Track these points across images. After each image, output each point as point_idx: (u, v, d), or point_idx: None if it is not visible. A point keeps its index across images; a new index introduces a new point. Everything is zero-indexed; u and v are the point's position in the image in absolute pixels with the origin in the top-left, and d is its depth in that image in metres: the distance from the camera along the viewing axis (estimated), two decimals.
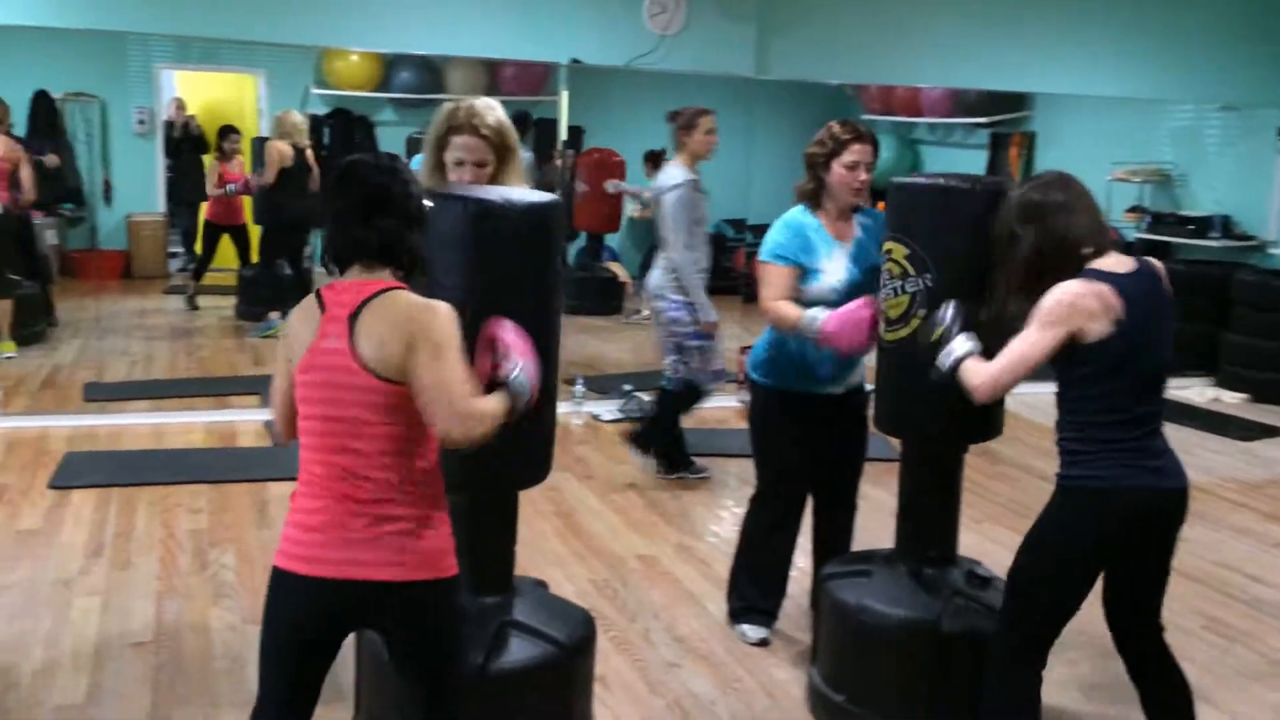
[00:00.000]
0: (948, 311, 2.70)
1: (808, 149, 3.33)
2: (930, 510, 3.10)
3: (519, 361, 2.18)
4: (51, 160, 7.29)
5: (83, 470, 4.87)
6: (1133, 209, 8.17)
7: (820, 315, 3.13)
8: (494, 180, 2.73)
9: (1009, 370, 2.47)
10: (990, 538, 4.39)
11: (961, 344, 2.62)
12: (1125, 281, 2.44)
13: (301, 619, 2.08)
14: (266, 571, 2.10)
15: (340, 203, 2.07)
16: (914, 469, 3.13)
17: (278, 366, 2.15)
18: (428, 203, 2.19)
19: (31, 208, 7.18)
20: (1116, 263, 2.48)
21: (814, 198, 3.34)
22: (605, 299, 8.79)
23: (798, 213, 3.35)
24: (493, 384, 2.16)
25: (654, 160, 8.37)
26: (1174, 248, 7.92)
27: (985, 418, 2.97)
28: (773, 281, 3.27)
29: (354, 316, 2.00)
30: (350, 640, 2.72)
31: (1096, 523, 2.46)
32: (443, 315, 2.02)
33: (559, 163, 7.92)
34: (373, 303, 2.01)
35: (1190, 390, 7.20)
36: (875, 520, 3.81)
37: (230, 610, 3.65)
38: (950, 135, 9.01)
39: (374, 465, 2.02)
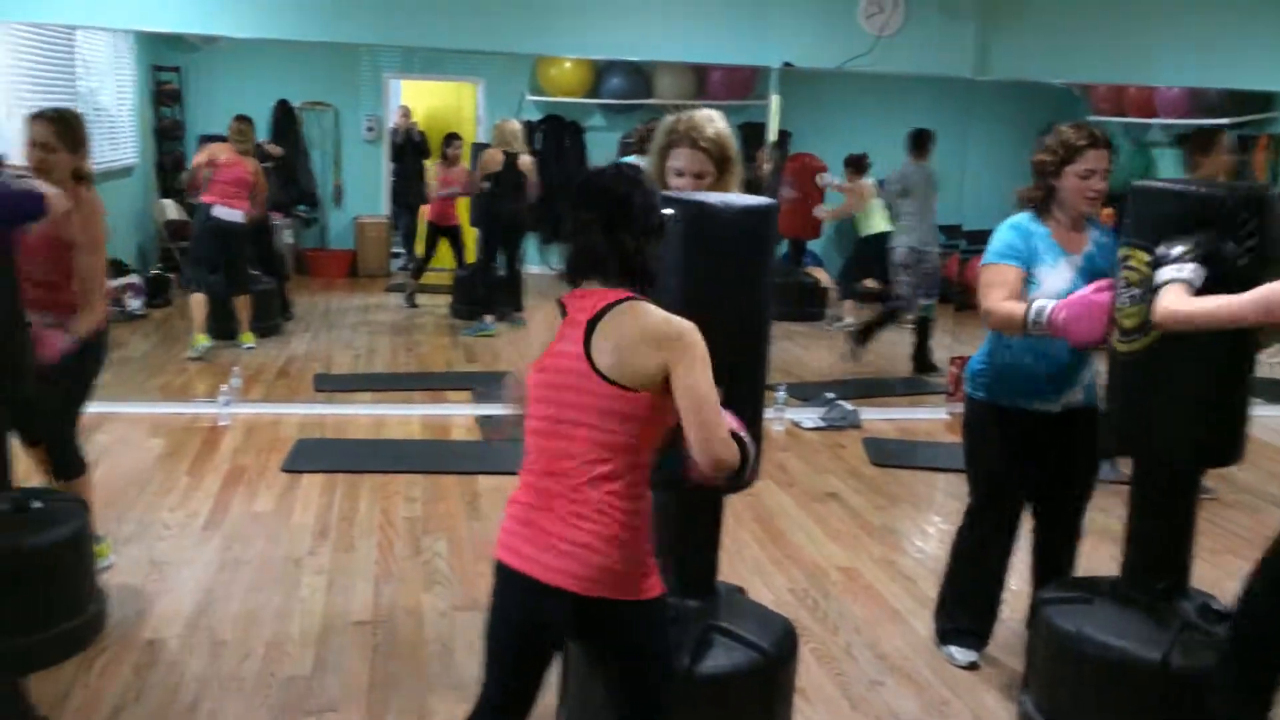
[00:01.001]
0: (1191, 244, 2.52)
1: (1036, 156, 3.16)
2: (1161, 537, 2.90)
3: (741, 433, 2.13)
4: (275, 150, 7.76)
5: (312, 456, 5.18)
6: None
7: (1049, 304, 2.94)
8: (714, 190, 2.73)
9: (1202, 314, 2.29)
10: (1227, 570, 4.06)
11: (1185, 269, 2.45)
12: None
13: (515, 612, 2.12)
14: (476, 561, 2.17)
15: (583, 214, 2.07)
16: (1145, 492, 2.94)
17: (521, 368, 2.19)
18: (668, 211, 2.18)
19: (269, 209, 7.72)
20: None
21: (1041, 206, 3.17)
22: (807, 305, 8.69)
23: (1024, 218, 3.19)
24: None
25: (855, 165, 8.21)
26: None
27: (1227, 439, 2.76)
28: (999, 282, 3.10)
29: (593, 323, 2.02)
30: None
31: None
32: (692, 329, 2.02)
33: (764, 167, 7.87)
34: (614, 310, 2.02)
35: None
36: (1100, 548, 3.60)
37: (441, 597, 3.79)
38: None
39: (586, 472, 2.03)
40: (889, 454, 5.64)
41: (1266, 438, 5.22)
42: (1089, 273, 3.11)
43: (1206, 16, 6.93)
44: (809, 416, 6.16)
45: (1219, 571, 4.01)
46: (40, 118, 3.55)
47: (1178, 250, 2.56)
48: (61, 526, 3.29)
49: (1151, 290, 2.53)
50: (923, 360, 7.38)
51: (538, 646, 2.17)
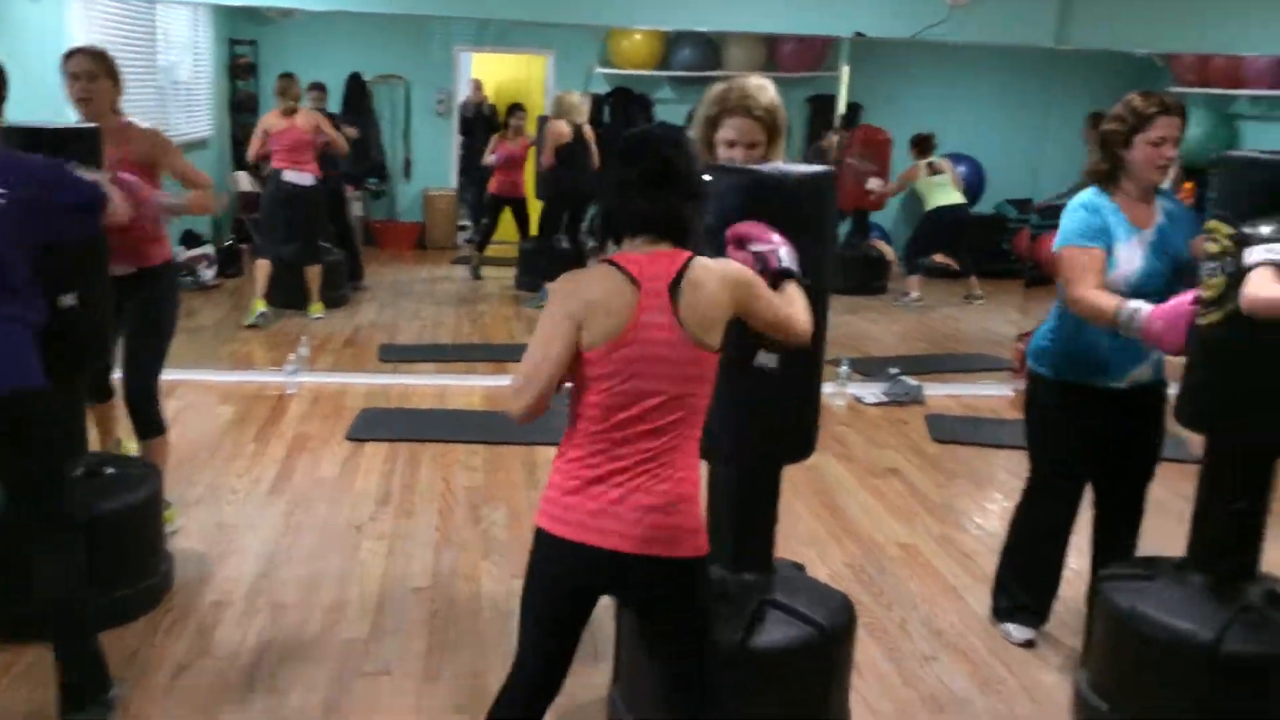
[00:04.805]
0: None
1: (1104, 126, 3.07)
2: (1230, 517, 2.82)
3: (775, 246, 2.29)
4: (351, 132, 7.82)
5: (375, 425, 5.27)
6: None
7: (1144, 308, 2.83)
8: (763, 161, 2.71)
9: None
10: None
11: (1278, 250, 2.36)
12: None
13: (557, 580, 2.14)
14: (533, 531, 2.17)
15: (626, 174, 2.06)
16: (1216, 470, 2.85)
17: (557, 332, 2.04)
18: (706, 177, 2.18)
19: (342, 181, 7.81)
20: None
21: (1110, 179, 3.07)
22: (872, 279, 8.59)
23: (1092, 194, 3.09)
24: (773, 276, 2.26)
25: (919, 145, 8.06)
26: None
27: None
28: (1083, 267, 2.97)
29: (674, 289, 2.03)
30: (610, 609, 2.81)
31: None
32: (745, 272, 2.17)
33: (833, 139, 7.77)
34: (688, 273, 2.04)
35: None
36: (1168, 527, 3.51)
37: (499, 565, 3.83)
38: (1276, 109, 8.11)
39: (667, 437, 2.05)
40: (951, 430, 5.56)
41: None
42: (1160, 247, 3.02)
43: None
44: (872, 391, 6.09)
45: None
46: (79, 52, 3.68)
47: (1267, 230, 2.46)
48: (132, 492, 3.40)
49: (1239, 271, 2.43)
50: None
51: (582, 614, 2.18)
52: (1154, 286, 2.98)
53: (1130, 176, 3.04)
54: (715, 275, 2.08)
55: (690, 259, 2.06)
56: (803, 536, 4.17)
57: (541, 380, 2.06)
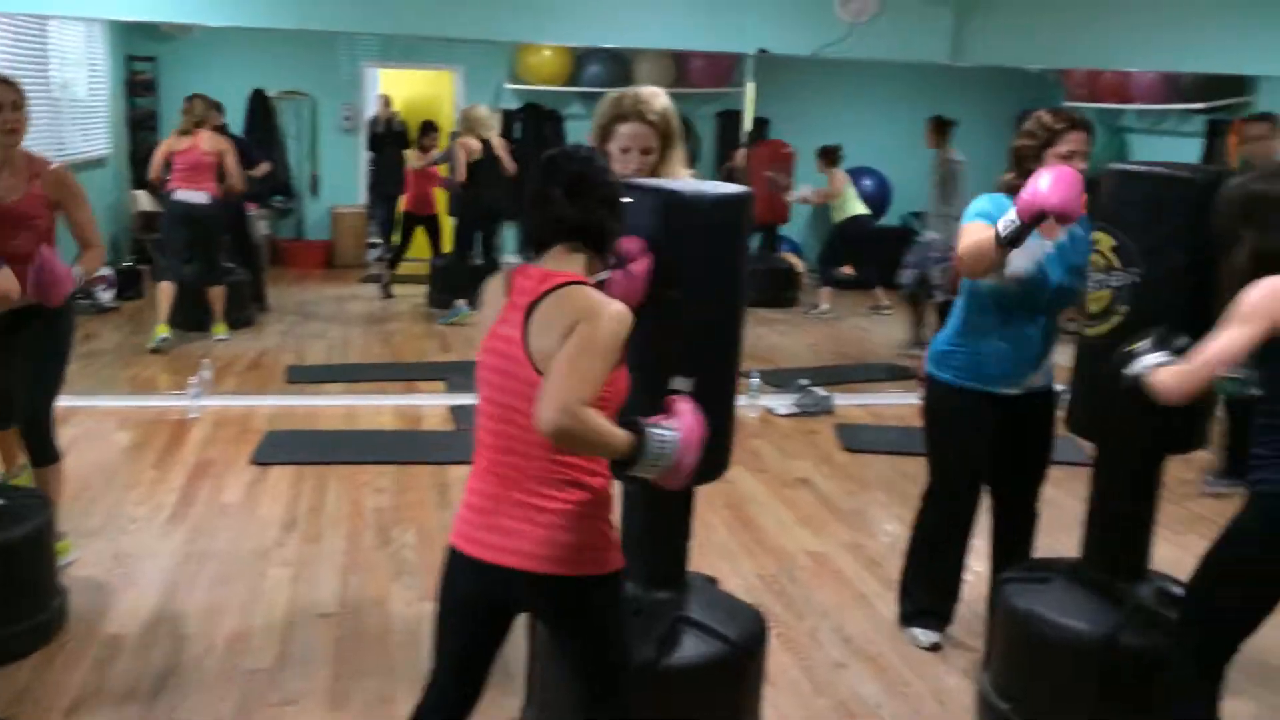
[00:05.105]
0: (1148, 339, 2.49)
1: (1016, 142, 3.13)
2: (1120, 519, 2.92)
3: (673, 434, 2.02)
4: (263, 168, 7.72)
5: (281, 448, 5.16)
6: None
7: (1012, 211, 2.79)
8: (657, 168, 2.73)
9: (1202, 367, 2.27)
10: (1194, 552, 4.06)
11: (1155, 357, 2.42)
12: None
13: (465, 596, 2.13)
14: (444, 551, 2.16)
15: (545, 184, 2.10)
16: (1106, 474, 2.95)
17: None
18: (626, 199, 2.19)
19: (245, 199, 7.66)
20: None
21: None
22: (783, 291, 8.69)
23: (1003, 198, 3.16)
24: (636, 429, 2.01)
25: (828, 156, 8.21)
26: None
27: (1188, 426, 2.77)
28: (972, 234, 2.99)
29: (532, 307, 2.02)
30: (524, 630, 2.79)
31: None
32: (610, 315, 1.97)
33: (740, 155, 7.86)
34: (552, 295, 2.02)
35: None
36: (1063, 529, 3.61)
37: (409, 587, 3.78)
38: (1162, 123, 8.43)
39: (529, 454, 2.04)
40: (861, 439, 5.65)
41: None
42: (1058, 260, 3.09)
43: (1181, 1, 6.94)
44: (783, 403, 6.16)
45: (1186, 554, 4.01)
46: (2, 81, 3.53)
47: (1144, 346, 2.49)
48: (20, 525, 3.28)
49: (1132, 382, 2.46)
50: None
51: (492, 630, 2.18)
52: (1045, 298, 3.07)
53: None
54: (575, 302, 1.99)
55: (570, 282, 2.02)
56: (717, 549, 4.20)
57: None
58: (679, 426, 2.04)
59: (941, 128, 7.24)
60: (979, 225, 3.02)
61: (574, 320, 1.96)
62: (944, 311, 7.05)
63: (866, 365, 7.34)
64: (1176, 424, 2.75)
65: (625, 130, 2.72)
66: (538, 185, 2.12)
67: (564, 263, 2.07)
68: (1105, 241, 2.76)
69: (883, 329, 8.16)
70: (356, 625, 3.52)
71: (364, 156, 8.95)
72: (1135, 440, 2.85)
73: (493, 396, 2.08)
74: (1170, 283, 2.64)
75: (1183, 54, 7.07)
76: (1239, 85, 7.75)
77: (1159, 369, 2.38)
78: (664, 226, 2.38)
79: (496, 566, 2.06)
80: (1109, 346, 2.69)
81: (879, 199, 8.92)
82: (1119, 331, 2.68)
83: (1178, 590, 2.85)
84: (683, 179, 2.70)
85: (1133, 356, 2.46)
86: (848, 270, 8.63)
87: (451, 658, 2.18)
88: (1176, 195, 2.68)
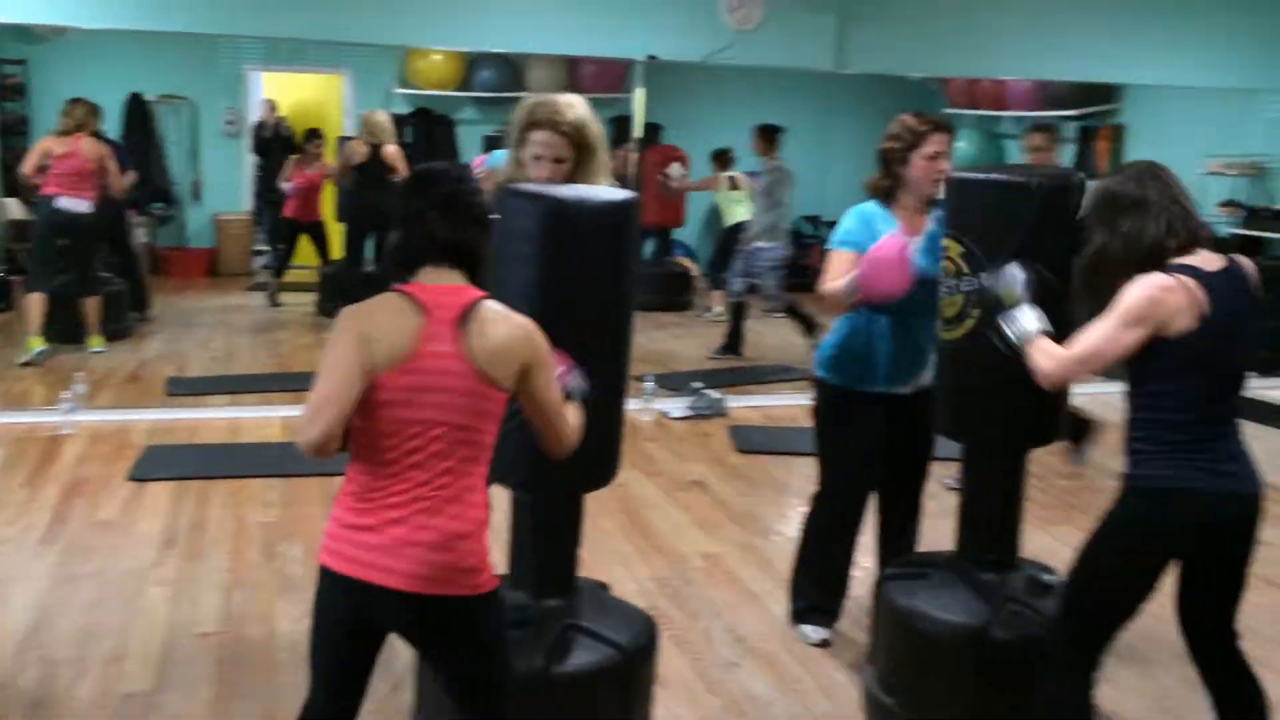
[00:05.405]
0: (1017, 274, 2.57)
1: (882, 145, 3.24)
2: (989, 514, 3.01)
3: (569, 369, 2.26)
4: (130, 177, 7.41)
5: (161, 463, 4.99)
6: (1226, 203, 7.86)
7: (855, 272, 3.01)
8: (573, 177, 2.71)
9: (1083, 361, 2.36)
10: (1065, 540, 4.22)
11: (1031, 318, 2.51)
12: (1213, 279, 2.33)
13: (339, 618, 2.09)
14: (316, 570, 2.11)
15: (417, 203, 2.09)
16: (973, 471, 3.05)
17: (344, 356, 1.99)
18: (494, 217, 2.20)
19: (124, 206, 7.39)
20: (1206, 260, 2.36)
21: (889, 194, 3.25)
22: (676, 294, 8.75)
23: (869, 205, 3.27)
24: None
25: (719, 159, 8.32)
26: (1270, 244, 7.58)
27: (1042, 422, 2.88)
28: (833, 267, 3.17)
29: (462, 322, 2.00)
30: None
31: (1158, 524, 2.36)
32: (540, 334, 2.11)
33: (630, 160, 7.89)
34: (476, 311, 2.02)
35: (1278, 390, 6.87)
36: (948, 523, 3.71)
37: (295, 603, 3.68)
38: None
39: (449, 472, 2.02)
40: (753, 441, 5.73)
41: (1109, 415, 5.44)
42: (929, 251, 3.18)
43: (1055, 12, 7.20)
44: (677, 406, 6.20)
45: (1058, 542, 4.17)
46: None
47: (1016, 287, 2.56)
48: None
49: (1010, 344, 2.53)
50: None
51: (369, 649, 2.14)
52: (931, 288, 3.16)
53: (908, 190, 3.22)
54: (511, 321, 2.07)
55: (481, 298, 2.06)
56: (610, 554, 4.20)
57: (333, 408, 1.98)
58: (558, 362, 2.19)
59: (769, 136, 7.39)
60: (845, 257, 3.13)
61: (524, 348, 2.06)
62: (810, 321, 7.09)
63: (760, 367, 7.43)
64: (1035, 420, 2.86)
65: (538, 138, 2.70)
66: (409, 204, 2.10)
67: (442, 281, 2.06)
68: (954, 249, 2.86)
69: (776, 331, 8.27)
70: (238, 644, 3.42)
71: (249, 162, 8.73)
72: (998, 438, 2.95)
73: (413, 415, 1.99)
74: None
75: (1055, 64, 7.35)
76: (1107, 93, 8.11)
77: (1040, 339, 2.46)
78: (547, 232, 2.38)
79: (379, 587, 2.01)
80: (965, 349, 2.79)
81: None
82: (973, 335, 2.79)
83: (1049, 578, 2.95)
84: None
85: (1008, 308, 2.54)
86: None
87: (330, 676, 2.14)
88: (1014, 200, 2.77)
